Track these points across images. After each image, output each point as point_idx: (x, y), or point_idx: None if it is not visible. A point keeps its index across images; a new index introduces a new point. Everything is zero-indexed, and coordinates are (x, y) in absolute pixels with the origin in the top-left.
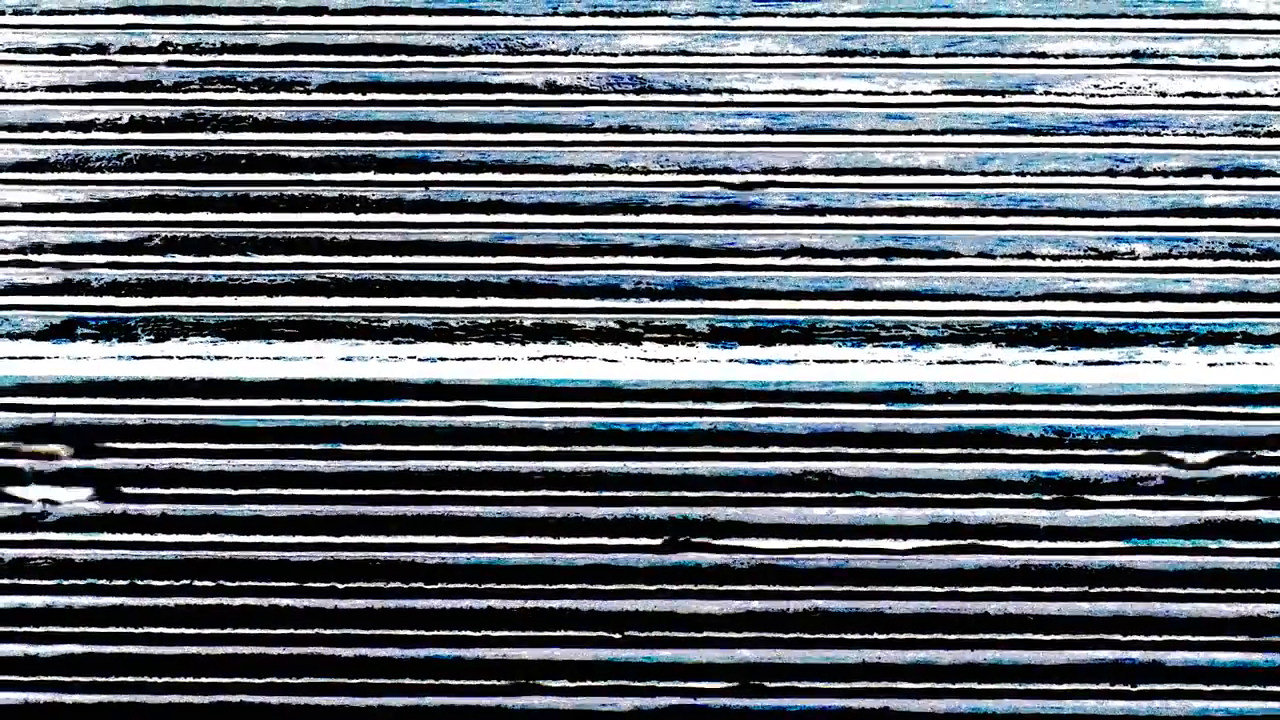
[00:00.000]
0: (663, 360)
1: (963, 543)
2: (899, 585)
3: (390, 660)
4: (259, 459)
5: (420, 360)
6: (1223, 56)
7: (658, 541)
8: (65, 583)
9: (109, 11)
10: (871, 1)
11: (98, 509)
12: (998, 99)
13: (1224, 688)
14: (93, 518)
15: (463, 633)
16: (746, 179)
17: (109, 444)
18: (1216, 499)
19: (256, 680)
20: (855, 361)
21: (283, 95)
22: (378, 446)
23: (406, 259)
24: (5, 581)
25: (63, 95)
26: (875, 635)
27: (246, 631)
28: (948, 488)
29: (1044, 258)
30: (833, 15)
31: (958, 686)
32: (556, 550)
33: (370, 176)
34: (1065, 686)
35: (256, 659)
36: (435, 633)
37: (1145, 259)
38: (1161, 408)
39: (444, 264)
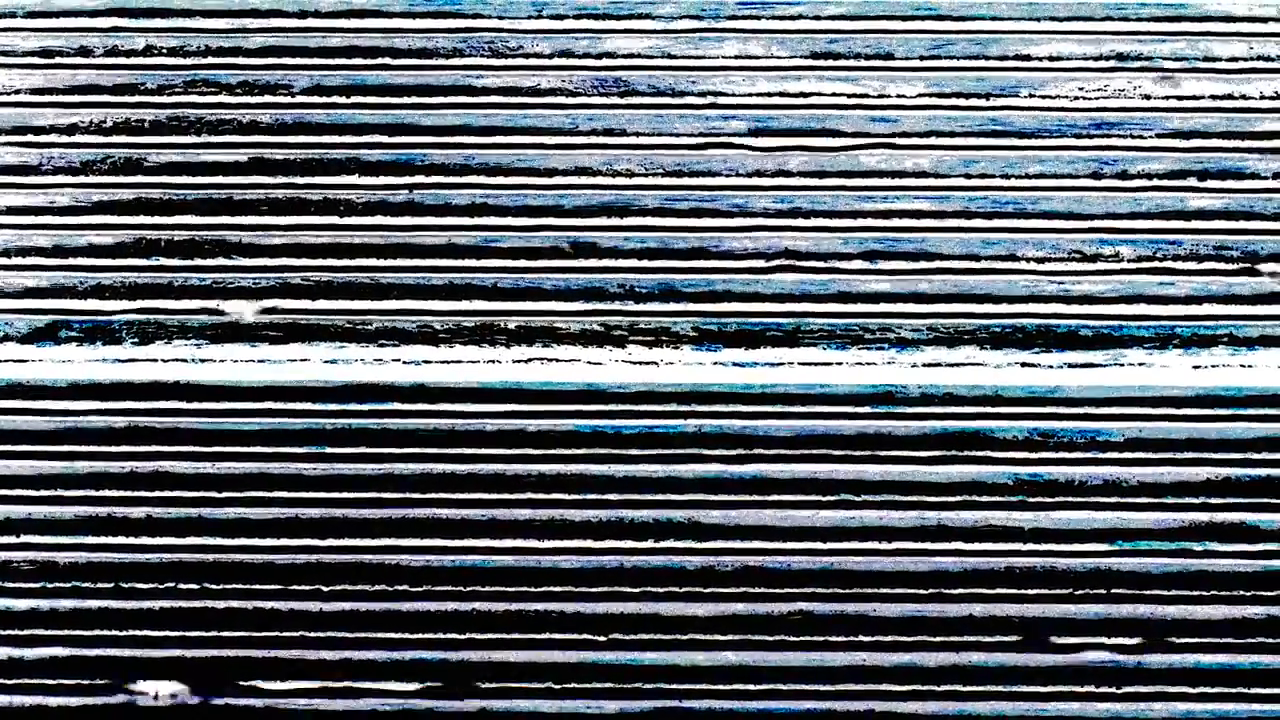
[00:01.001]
0: (647, 363)
1: (947, 545)
2: (884, 587)
3: (375, 663)
4: (243, 462)
5: (405, 363)
6: (1207, 59)
7: (643, 544)
8: (49, 585)
9: (93, 14)
10: (856, 4)
11: (82, 511)
12: (982, 102)
13: (1209, 690)
14: (77, 520)
15: (448, 635)
16: (731, 182)
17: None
18: (1202, 501)
19: (241, 683)
20: (840, 364)
21: (267, 98)
22: (362, 449)
23: (391, 261)
24: None
25: (46, 98)
26: (860, 637)
27: (231, 634)
28: (932, 490)
29: (1028, 260)
30: (817, 18)
31: (943, 689)
32: (541, 553)
33: (354, 179)
34: (1050, 689)
35: (241, 661)
36: (420, 635)
37: (1130, 261)
38: (1146, 410)
39: (428, 267)
